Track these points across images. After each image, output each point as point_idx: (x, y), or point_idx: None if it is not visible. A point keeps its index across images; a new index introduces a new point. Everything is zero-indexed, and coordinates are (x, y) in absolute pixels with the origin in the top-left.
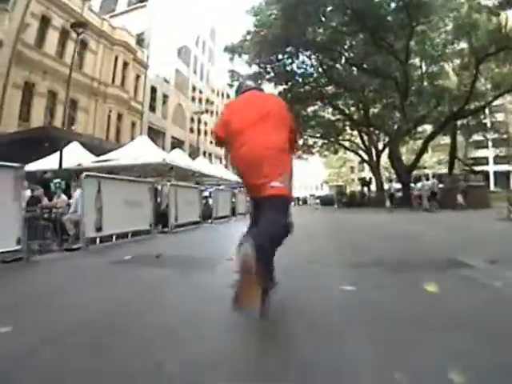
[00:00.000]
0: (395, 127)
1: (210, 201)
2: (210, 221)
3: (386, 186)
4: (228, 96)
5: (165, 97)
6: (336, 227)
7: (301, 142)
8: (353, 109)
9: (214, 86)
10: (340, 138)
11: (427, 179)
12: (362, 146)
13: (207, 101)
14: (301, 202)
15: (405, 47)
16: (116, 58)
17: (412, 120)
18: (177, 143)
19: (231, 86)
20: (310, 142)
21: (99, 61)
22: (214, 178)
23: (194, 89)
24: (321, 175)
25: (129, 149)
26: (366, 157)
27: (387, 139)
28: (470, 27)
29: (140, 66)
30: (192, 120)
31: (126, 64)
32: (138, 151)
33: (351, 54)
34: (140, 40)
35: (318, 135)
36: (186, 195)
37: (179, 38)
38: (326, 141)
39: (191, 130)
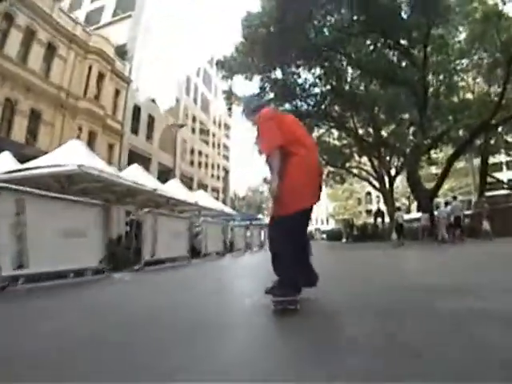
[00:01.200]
0: (411, 146)
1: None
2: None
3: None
4: (227, 127)
5: (151, 119)
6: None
7: None
8: (362, 131)
9: (215, 117)
10: (347, 164)
11: (446, 204)
12: (372, 172)
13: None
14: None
15: (422, 50)
16: (90, 68)
17: (431, 137)
18: (165, 172)
19: (230, 109)
20: None
21: (69, 69)
22: (193, 207)
23: (193, 119)
24: (326, 208)
25: (57, 155)
26: (377, 184)
27: (401, 162)
28: (495, 24)
29: (120, 79)
30: (192, 152)
31: (101, 75)
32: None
33: (361, 59)
34: (122, 53)
35: (324, 163)
36: (170, 225)
37: (174, 62)
38: (332, 169)
39: (191, 163)
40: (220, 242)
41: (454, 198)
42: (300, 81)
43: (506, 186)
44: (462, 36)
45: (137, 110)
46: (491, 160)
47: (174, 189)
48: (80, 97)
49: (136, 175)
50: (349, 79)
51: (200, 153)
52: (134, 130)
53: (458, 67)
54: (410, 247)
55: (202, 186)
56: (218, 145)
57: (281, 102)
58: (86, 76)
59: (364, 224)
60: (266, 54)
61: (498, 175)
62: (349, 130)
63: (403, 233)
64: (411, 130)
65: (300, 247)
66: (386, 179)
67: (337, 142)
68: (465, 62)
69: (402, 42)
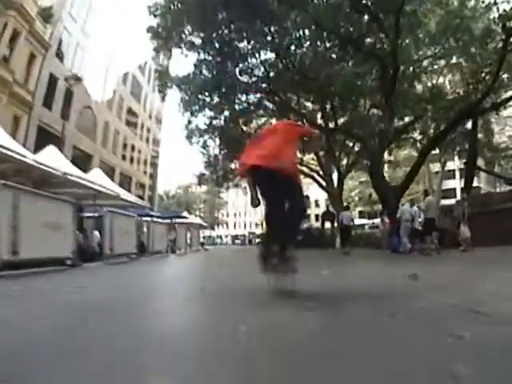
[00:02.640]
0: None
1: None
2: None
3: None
4: (159, 121)
5: (69, 94)
6: None
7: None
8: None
9: (146, 106)
10: None
11: (412, 203)
12: (318, 168)
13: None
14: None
15: (394, 21)
16: (5, 25)
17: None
18: (81, 157)
19: (161, 93)
20: None
21: None
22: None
23: (120, 100)
24: (261, 212)
25: None
26: (323, 182)
27: (355, 157)
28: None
29: (38, 43)
30: (125, 147)
31: (16, 34)
32: None
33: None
34: (47, 16)
35: None
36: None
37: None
38: None
39: (123, 158)
40: (131, 242)
41: (426, 193)
42: (242, 45)
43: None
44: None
45: (53, 81)
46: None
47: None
48: None
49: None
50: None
51: (125, 141)
52: (48, 104)
53: (429, 53)
54: (355, 258)
55: (125, 179)
56: (147, 139)
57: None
58: None
59: (308, 228)
60: (199, 17)
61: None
62: (294, 114)
63: (350, 238)
64: (371, 114)
65: None
66: (335, 177)
67: None
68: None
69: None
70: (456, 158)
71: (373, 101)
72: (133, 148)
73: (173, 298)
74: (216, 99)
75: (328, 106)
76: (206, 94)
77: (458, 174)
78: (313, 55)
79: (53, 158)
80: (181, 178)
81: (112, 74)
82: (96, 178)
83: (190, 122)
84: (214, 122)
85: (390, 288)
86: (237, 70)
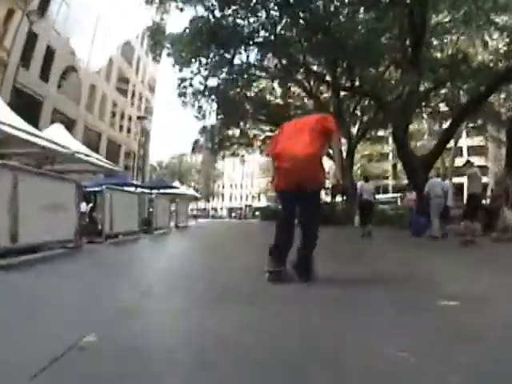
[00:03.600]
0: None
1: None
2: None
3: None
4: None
5: (50, 52)
6: None
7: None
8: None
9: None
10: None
11: (442, 176)
12: None
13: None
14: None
15: None
16: None
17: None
18: (64, 122)
19: (154, 52)
20: (251, 133)
21: None
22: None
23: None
24: (258, 184)
25: None
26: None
27: (366, 122)
28: None
29: None
30: (113, 113)
31: None
32: None
33: None
34: None
35: (264, 120)
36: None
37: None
38: (273, 127)
39: (112, 124)
40: (134, 219)
41: (469, 163)
42: None
43: None
44: None
45: (32, 38)
46: None
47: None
48: None
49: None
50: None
51: (114, 107)
52: (25, 64)
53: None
54: (381, 244)
55: (114, 147)
56: (139, 107)
57: None
58: None
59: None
60: None
61: None
62: (299, 80)
63: (372, 216)
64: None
65: None
66: (346, 143)
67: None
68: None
69: None
70: (464, 134)
71: (395, 58)
72: (122, 115)
73: None
74: (213, 54)
75: (339, 69)
76: (200, 45)
77: (465, 151)
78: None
79: None
80: (176, 146)
81: (101, 35)
82: (54, 136)
83: (183, 80)
84: (211, 82)
85: None
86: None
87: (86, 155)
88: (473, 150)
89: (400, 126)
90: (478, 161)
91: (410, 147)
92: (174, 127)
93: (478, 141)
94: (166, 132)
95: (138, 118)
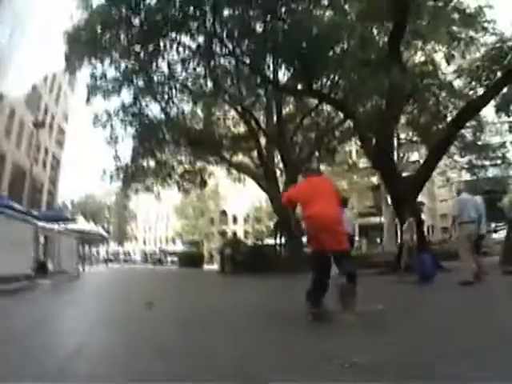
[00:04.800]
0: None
1: None
2: None
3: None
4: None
5: None
6: None
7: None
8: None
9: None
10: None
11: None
12: (256, 160)
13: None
14: (150, 259)
15: None
16: None
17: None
18: None
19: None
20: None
21: None
22: None
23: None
24: (172, 227)
25: None
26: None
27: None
28: None
29: None
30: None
31: None
32: None
33: None
34: None
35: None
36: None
37: None
38: (192, 159)
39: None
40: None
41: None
42: None
43: None
44: None
45: None
46: None
47: None
48: None
49: None
50: None
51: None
52: None
53: None
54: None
55: (19, 175)
56: (51, 125)
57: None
58: None
59: (256, 245)
60: None
61: None
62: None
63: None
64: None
65: None
66: (282, 170)
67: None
68: None
69: None
70: None
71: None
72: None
73: None
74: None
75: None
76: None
77: None
78: None
79: None
80: (90, 183)
81: None
82: None
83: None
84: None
85: None
86: None
87: None
88: None
89: (383, 135)
90: None
91: (395, 165)
92: (88, 160)
93: None
94: (80, 167)
95: (35, 125)
